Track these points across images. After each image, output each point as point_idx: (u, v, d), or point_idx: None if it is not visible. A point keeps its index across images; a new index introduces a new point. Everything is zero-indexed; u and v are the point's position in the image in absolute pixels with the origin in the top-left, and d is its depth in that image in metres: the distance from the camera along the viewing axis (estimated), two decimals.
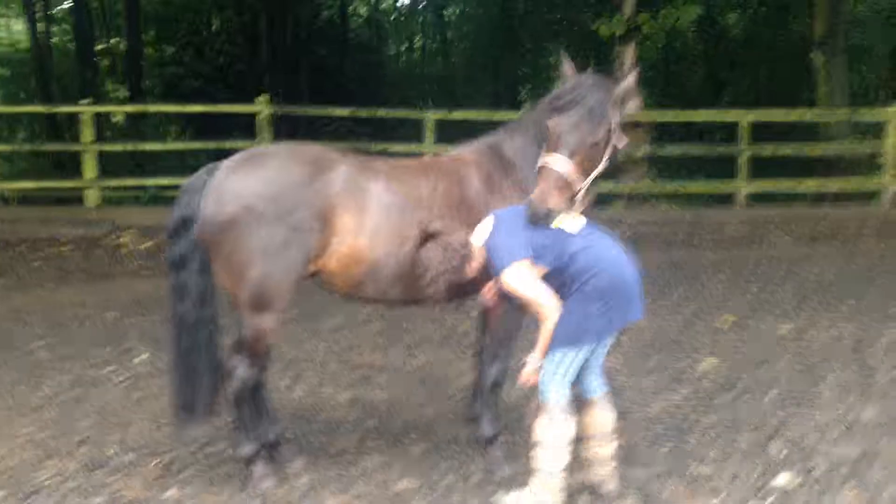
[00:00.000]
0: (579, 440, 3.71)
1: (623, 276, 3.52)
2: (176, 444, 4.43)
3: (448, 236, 3.78)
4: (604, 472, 3.74)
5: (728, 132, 18.50)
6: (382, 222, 3.86)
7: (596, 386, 3.72)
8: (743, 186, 12.46)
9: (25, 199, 16.15)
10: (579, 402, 3.69)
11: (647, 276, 8.89)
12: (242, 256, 3.70)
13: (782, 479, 3.91)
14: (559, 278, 3.48)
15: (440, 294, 3.96)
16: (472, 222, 3.94)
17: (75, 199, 14.38)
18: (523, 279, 3.45)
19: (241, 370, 3.86)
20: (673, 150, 13.74)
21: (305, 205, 3.72)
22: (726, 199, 14.34)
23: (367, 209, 3.84)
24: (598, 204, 13.37)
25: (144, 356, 5.99)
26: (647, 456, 4.21)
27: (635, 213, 12.03)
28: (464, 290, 3.99)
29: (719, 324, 6.81)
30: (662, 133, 19.12)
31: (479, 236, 3.64)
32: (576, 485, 3.81)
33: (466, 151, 4.30)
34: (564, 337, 3.47)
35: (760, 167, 12.75)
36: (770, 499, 3.71)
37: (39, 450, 4.43)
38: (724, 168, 13.41)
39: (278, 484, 3.92)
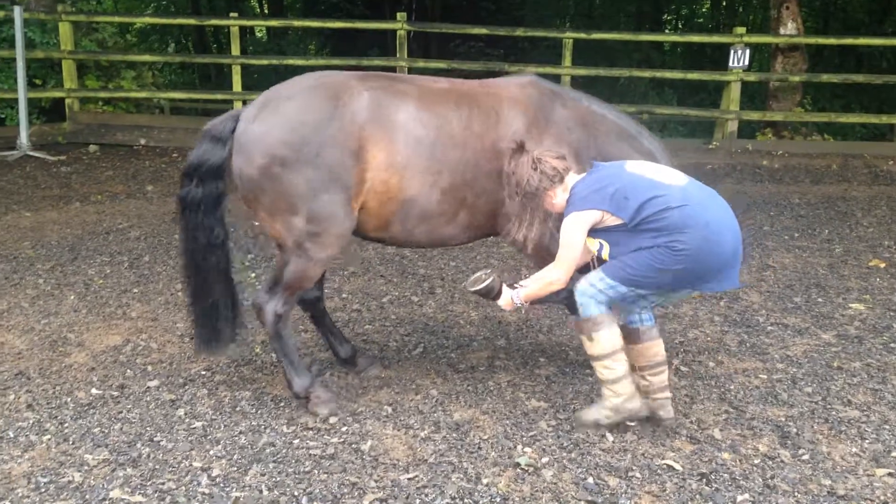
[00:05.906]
0: (631, 370, 3.71)
1: (719, 243, 3.34)
2: (317, 347, 4.64)
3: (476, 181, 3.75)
4: (659, 399, 3.70)
5: (891, 60, 17.04)
6: (412, 158, 3.69)
7: (644, 318, 3.69)
8: None
9: (174, 109, 17.03)
10: (626, 332, 3.67)
11: (794, 210, 8.49)
12: (283, 204, 3.65)
13: None
14: (643, 228, 3.35)
15: (461, 237, 3.98)
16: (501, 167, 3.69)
17: (221, 111, 14.98)
18: (575, 232, 3.42)
19: (274, 306, 3.81)
20: (830, 77, 12.72)
21: (333, 143, 3.60)
22: (884, 132, 13.31)
23: (396, 141, 3.67)
24: (745, 132, 12.68)
25: None
26: (787, 396, 4.06)
27: (785, 144, 11.36)
28: (485, 231, 4.01)
29: (871, 265, 6.41)
30: (819, 59, 17.78)
31: (574, 178, 3.54)
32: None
33: (515, 85, 4.01)
34: (628, 275, 3.42)
35: None
36: None
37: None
38: (884, 99, 12.40)
39: (411, 392, 4.05)
